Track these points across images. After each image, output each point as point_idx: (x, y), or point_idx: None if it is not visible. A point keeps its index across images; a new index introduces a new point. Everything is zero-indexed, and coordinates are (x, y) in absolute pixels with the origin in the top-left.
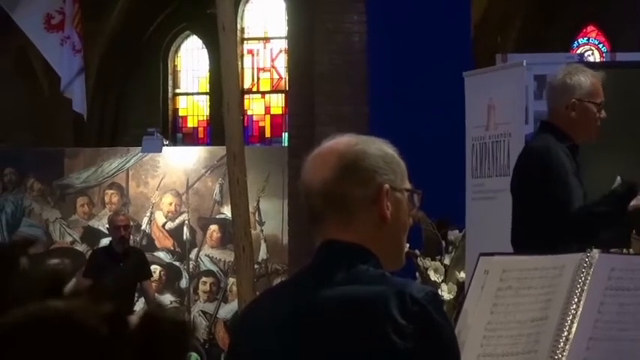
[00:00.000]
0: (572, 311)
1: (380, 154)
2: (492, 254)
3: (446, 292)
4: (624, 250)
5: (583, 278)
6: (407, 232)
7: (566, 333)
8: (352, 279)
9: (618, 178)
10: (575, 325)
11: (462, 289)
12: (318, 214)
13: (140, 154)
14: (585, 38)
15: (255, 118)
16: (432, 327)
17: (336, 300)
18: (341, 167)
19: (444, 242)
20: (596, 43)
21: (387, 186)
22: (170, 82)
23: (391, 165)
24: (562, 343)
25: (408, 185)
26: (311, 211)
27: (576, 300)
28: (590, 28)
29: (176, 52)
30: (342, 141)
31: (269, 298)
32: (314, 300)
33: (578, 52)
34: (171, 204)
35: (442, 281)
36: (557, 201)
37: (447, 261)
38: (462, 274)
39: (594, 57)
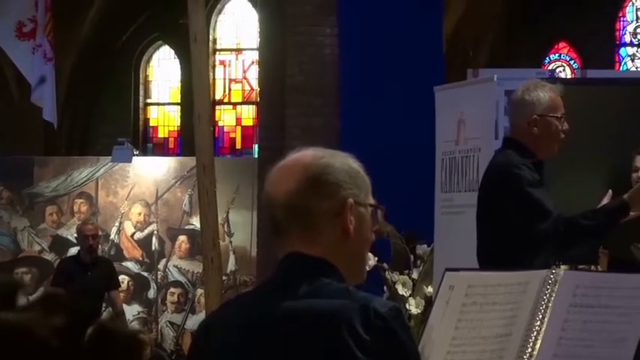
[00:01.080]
0: (537, 328)
1: (345, 169)
2: (458, 269)
3: (413, 307)
4: (592, 267)
5: (548, 295)
6: (369, 247)
7: (530, 349)
8: (316, 292)
9: (610, 191)
10: (539, 342)
11: (429, 304)
12: (281, 226)
13: (110, 163)
14: (557, 54)
15: (226, 129)
16: (395, 342)
17: (298, 313)
18: (306, 180)
19: (412, 256)
20: (568, 59)
21: (351, 200)
22: (141, 92)
23: (356, 180)
24: None
25: (371, 201)
26: (274, 223)
27: (540, 317)
28: (561, 44)
29: (148, 62)
30: (308, 154)
31: (231, 308)
32: (276, 312)
33: (550, 67)
34: (140, 214)
35: (410, 295)
36: (528, 213)
37: (415, 275)
38: (430, 289)
39: (565, 73)
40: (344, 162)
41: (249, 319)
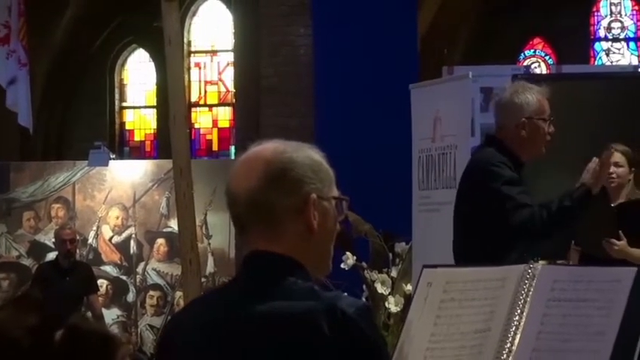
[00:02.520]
0: (515, 323)
1: (308, 163)
2: (435, 266)
3: (393, 305)
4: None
5: (526, 290)
6: (334, 239)
7: (509, 344)
8: (281, 293)
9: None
10: (518, 337)
11: (409, 302)
12: (244, 223)
13: (87, 167)
14: (532, 50)
15: (202, 131)
16: (363, 342)
17: (263, 315)
18: (267, 176)
19: (391, 255)
20: (543, 55)
21: (314, 196)
22: (117, 96)
23: (319, 173)
24: (505, 355)
25: (335, 193)
26: (237, 220)
27: (519, 311)
28: (536, 40)
29: (123, 65)
30: (269, 147)
31: (197, 308)
32: (241, 314)
33: (525, 64)
34: (117, 218)
35: (389, 294)
36: (505, 209)
37: (393, 273)
38: (409, 287)
39: (541, 69)
40: (306, 155)
41: (214, 321)
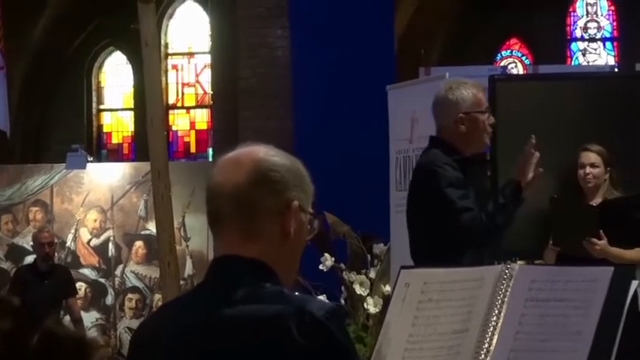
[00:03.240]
0: (493, 323)
1: (294, 171)
2: (413, 267)
3: (372, 306)
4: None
5: (503, 290)
6: (301, 254)
7: (487, 345)
8: (250, 296)
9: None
10: (495, 337)
11: (387, 303)
12: (223, 217)
13: (64, 170)
14: (508, 50)
15: (180, 133)
16: (332, 345)
17: (234, 319)
18: (256, 173)
19: (369, 256)
20: (519, 55)
21: (296, 203)
22: (94, 99)
23: (303, 185)
24: (483, 355)
25: (310, 209)
26: (216, 213)
27: (497, 312)
28: (513, 40)
29: (100, 68)
30: (260, 149)
31: (168, 312)
32: (210, 319)
33: (502, 64)
34: (95, 220)
35: (368, 295)
36: (450, 212)
37: (372, 274)
38: (388, 288)
39: (517, 69)
40: (294, 164)
41: (183, 325)
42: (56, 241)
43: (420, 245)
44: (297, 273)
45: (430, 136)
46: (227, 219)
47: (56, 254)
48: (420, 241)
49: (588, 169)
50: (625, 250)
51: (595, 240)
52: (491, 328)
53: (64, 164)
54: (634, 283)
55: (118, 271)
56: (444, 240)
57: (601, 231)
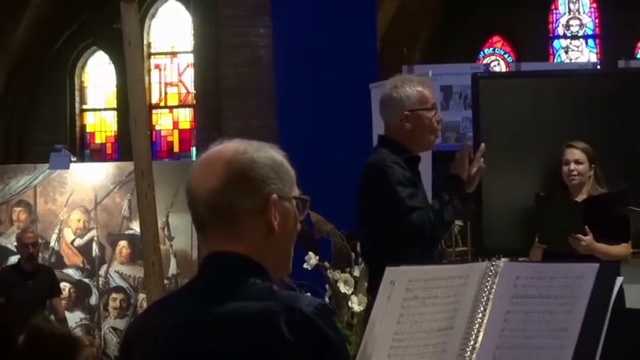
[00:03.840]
0: (479, 320)
1: (269, 163)
2: (398, 264)
3: (356, 304)
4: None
5: (488, 287)
6: (295, 239)
7: (472, 342)
8: (239, 294)
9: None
10: (481, 334)
11: (372, 301)
12: (204, 223)
13: (48, 170)
14: (491, 48)
15: (163, 133)
16: (322, 341)
17: (223, 316)
18: (228, 177)
19: (353, 254)
20: (502, 53)
21: (274, 196)
22: (77, 98)
23: (280, 174)
24: (469, 353)
25: (296, 192)
26: (197, 219)
27: (482, 309)
28: (495, 38)
29: (83, 67)
30: (230, 147)
31: (158, 311)
32: (200, 317)
33: (485, 62)
34: (79, 220)
35: (352, 293)
36: (398, 211)
37: (356, 273)
38: None
39: (500, 67)
40: (267, 155)
41: (174, 324)
42: (40, 241)
43: (371, 243)
44: (291, 262)
45: (379, 135)
46: (208, 225)
47: (40, 254)
48: (370, 239)
49: (573, 166)
50: (611, 246)
51: (580, 236)
52: (477, 325)
53: (47, 164)
54: (619, 280)
55: (102, 271)
56: (393, 239)
57: (586, 227)
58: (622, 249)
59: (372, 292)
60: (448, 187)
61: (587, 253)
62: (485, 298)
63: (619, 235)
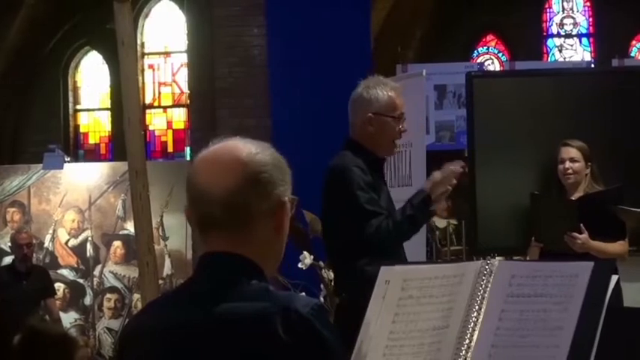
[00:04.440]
0: (474, 319)
1: (276, 164)
2: (393, 264)
3: None
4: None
5: (483, 286)
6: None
7: (467, 341)
8: (236, 294)
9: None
10: (476, 333)
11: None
12: (215, 222)
13: (42, 171)
14: (485, 47)
15: (157, 133)
16: (319, 342)
17: (219, 317)
18: (245, 178)
19: None
20: (496, 52)
21: (285, 199)
22: (71, 99)
23: (285, 176)
24: (464, 351)
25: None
26: (207, 218)
27: (477, 308)
28: (489, 37)
29: (76, 68)
30: (241, 148)
31: (155, 311)
32: (197, 317)
33: (478, 61)
34: (73, 221)
35: None
36: (357, 217)
37: None
38: None
39: (494, 66)
40: (274, 156)
41: (170, 324)
42: (34, 242)
43: (332, 246)
44: (280, 261)
45: (344, 136)
46: (221, 225)
47: (34, 255)
48: (332, 242)
49: (568, 164)
50: (607, 244)
51: (576, 234)
52: (472, 324)
53: (41, 165)
54: (614, 278)
55: (96, 272)
56: (352, 243)
57: (582, 225)
58: (618, 247)
59: (336, 293)
60: (413, 201)
61: (583, 251)
62: (480, 297)
63: (615, 232)
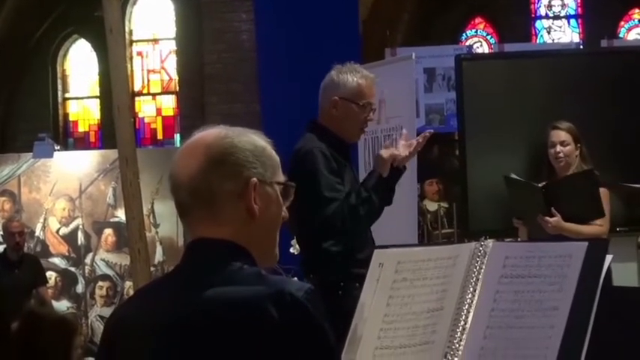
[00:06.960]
0: (468, 301)
1: (249, 147)
2: (386, 247)
3: None
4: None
5: (478, 267)
6: (280, 227)
7: (462, 323)
8: (227, 279)
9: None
10: (471, 315)
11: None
12: (186, 208)
13: (31, 160)
14: (473, 30)
15: (146, 120)
16: (312, 326)
17: (211, 302)
18: (207, 161)
19: None
20: (484, 34)
21: (254, 180)
22: (60, 87)
23: (261, 158)
24: (459, 333)
25: (281, 178)
26: (180, 205)
27: (471, 289)
28: (478, 19)
29: (65, 56)
30: (211, 133)
31: (144, 300)
32: (188, 302)
33: (467, 43)
34: (64, 209)
35: None
36: (318, 200)
37: None
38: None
39: (483, 48)
40: (248, 140)
41: (160, 310)
42: (26, 230)
43: (298, 228)
44: (276, 250)
45: (310, 119)
46: (189, 210)
47: (25, 244)
48: (297, 224)
49: (559, 148)
50: (583, 226)
51: (547, 218)
52: (467, 305)
53: (31, 154)
54: (608, 257)
55: (87, 260)
56: (313, 227)
57: (552, 208)
58: (596, 228)
59: (305, 275)
60: (366, 184)
61: (555, 233)
62: (474, 279)
63: (589, 213)
